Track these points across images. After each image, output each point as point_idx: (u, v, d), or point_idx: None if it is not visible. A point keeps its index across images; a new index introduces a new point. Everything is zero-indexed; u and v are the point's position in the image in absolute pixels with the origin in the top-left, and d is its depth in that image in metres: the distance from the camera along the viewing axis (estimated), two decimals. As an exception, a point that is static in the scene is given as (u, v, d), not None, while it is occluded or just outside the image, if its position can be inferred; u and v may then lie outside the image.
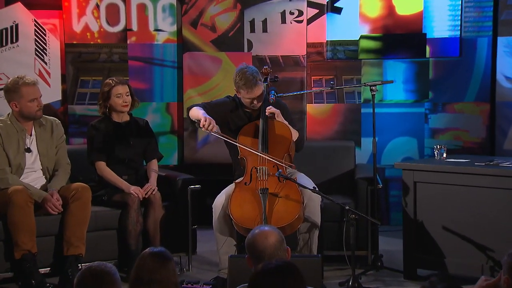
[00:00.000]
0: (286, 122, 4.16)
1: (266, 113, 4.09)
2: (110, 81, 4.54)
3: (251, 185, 4.00)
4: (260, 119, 4.15)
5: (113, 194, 4.43)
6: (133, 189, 4.36)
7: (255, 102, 4.19)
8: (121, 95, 4.49)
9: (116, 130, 4.53)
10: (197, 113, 4.08)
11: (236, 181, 4.12)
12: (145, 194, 4.37)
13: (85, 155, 4.55)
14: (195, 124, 4.14)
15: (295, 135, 4.20)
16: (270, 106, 4.12)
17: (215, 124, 3.97)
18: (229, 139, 4.07)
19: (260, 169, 4.02)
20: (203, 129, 3.95)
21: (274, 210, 3.89)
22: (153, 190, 4.41)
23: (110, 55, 5.62)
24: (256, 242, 2.66)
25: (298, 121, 5.24)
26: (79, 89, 5.61)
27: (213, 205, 4.09)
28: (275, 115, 4.12)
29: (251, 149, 4.04)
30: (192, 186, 4.50)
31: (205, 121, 3.94)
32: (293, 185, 3.95)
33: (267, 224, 3.65)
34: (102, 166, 4.48)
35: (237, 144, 4.09)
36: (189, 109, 4.22)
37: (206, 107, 4.19)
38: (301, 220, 3.94)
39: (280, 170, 3.96)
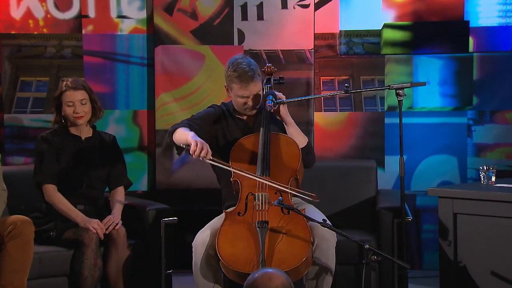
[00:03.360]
0: (291, 120, 4.21)
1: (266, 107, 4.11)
2: (63, 83, 4.59)
3: (246, 217, 4.03)
4: (261, 131, 4.18)
5: (64, 229, 4.46)
6: (91, 223, 4.40)
7: (249, 103, 4.24)
8: (72, 104, 4.55)
9: (74, 146, 4.59)
10: (184, 135, 4.05)
11: (227, 210, 4.15)
12: (106, 230, 4.41)
13: (29, 177, 4.59)
14: (181, 151, 4.13)
15: (302, 139, 4.23)
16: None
17: (209, 148, 3.97)
18: (229, 168, 4.06)
19: (258, 196, 4.04)
20: (193, 156, 3.94)
21: (275, 250, 3.90)
22: (117, 224, 4.45)
23: (60, 49, 5.67)
24: (258, 287, 2.68)
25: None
26: (18, 93, 5.65)
27: (193, 243, 4.11)
28: (279, 107, 4.15)
29: (249, 174, 4.05)
30: (166, 219, 4.51)
31: (196, 145, 3.90)
32: (301, 219, 3.97)
33: (270, 267, 3.67)
34: (51, 191, 4.52)
35: (234, 170, 4.09)
36: (171, 132, 4.17)
37: (192, 125, 4.19)
38: (309, 263, 3.96)
39: (280, 197, 3.97)
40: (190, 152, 3.91)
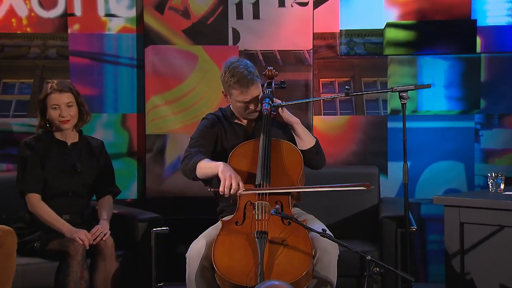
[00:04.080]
0: (295, 119, 4.22)
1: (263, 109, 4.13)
2: (49, 85, 4.60)
3: (245, 226, 4.04)
4: (261, 137, 4.19)
5: (49, 240, 4.46)
6: (78, 234, 4.40)
7: (251, 107, 4.25)
8: (58, 107, 4.55)
9: (59, 152, 4.59)
10: (209, 168, 4.07)
11: (224, 219, 4.16)
12: (94, 240, 4.41)
13: (11, 184, 4.59)
14: (209, 187, 4.12)
15: (310, 139, 4.25)
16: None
17: (240, 180, 3.97)
18: (260, 191, 4.04)
19: (258, 205, 4.05)
20: (226, 194, 3.95)
21: (275, 262, 3.91)
22: (105, 234, 4.45)
23: (45, 49, 5.68)
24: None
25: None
26: (0, 96, 5.65)
27: (187, 255, 4.12)
28: (280, 109, 4.17)
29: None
30: (157, 229, 4.51)
31: (227, 180, 3.92)
32: (302, 231, 3.98)
33: (274, 279, 3.68)
34: (35, 200, 4.52)
35: (261, 192, 4.07)
36: (192, 168, 4.14)
37: (201, 149, 4.20)
38: (310, 277, 3.97)
39: (277, 206, 3.97)
40: (220, 191, 3.94)
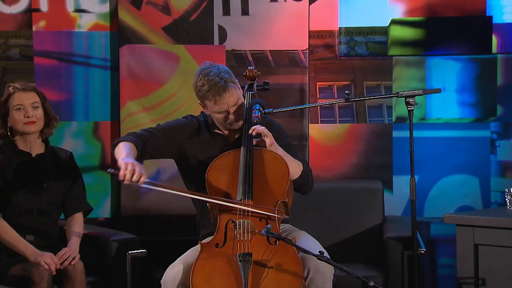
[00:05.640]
0: (281, 151, 4.21)
1: (251, 133, 4.12)
2: (10, 87, 4.59)
3: (226, 248, 4.03)
4: (242, 148, 4.19)
5: (10, 264, 4.44)
6: (43, 257, 4.38)
7: (231, 116, 4.24)
8: (22, 107, 4.54)
9: (22, 165, 4.57)
10: (119, 152, 4.07)
11: (203, 241, 4.16)
12: (61, 265, 4.40)
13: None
14: (108, 170, 4.06)
15: (296, 169, 4.25)
16: (258, 125, 4.15)
17: (142, 170, 3.94)
18: (175, 191, 4.07)
19: (240, 224, 4.05)
20: (124, 182, 3.90)
21: (260, 287, 3.91)
22: (74, 258, 4.44)
23: (6, 49, 5.68)
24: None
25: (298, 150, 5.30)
26: (-44, 101, 5.65)
27: (162, 281, 4.12)
28: (265, 137, 4.14)
29: (225, 201, 4.04)
30: (133, 252, 4.51)
31: (126, 169, 3.89)
32: (290, 250, 3.97)
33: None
34: (-6, 220, 4.52)
35: (193, 197, 4.10)
36: (116, 142, 4.21)
37: (147, 137, 4.21)
38: (301, 302, 3.98)
39: (269, 225, 3.98)
40: (119, 177, 3.89)
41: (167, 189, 4.07)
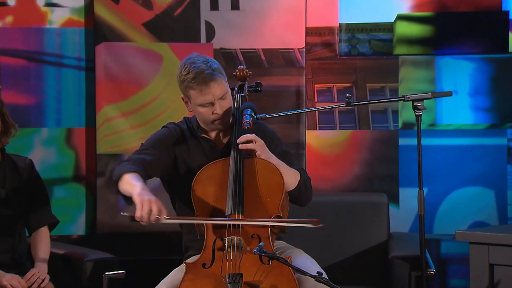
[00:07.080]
0: (275, 159, 4.22)
1: (239, 145, 4.13)
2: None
3: (214, 269, 4.03)
4: (231, 155, 4.20)
5: (-28, 287, 4.45)
6: (8, 280, 4.38)
7: (217, 111, 4.21)
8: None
9: (-24, 176, 4.58)
10: (129, 187, 3.99)
11: (188, 261, 4.16)
12: (29, 287, 4.40)
13: None
14: (122, 211, 4.02)
15: (292, 178, 4.26)
16: (247, 134, 4.16)
17: (161, 206, 3.89)
18: (196, 221, 4.05)
19: (229, 241, 4.06)
20: (144, 221, 3.85)
21: (252, 311, 3.94)
22: (43, 280, 4.44)
23: (-31, 47, 5.70)
24: None
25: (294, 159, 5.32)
26: None
27: (145, 305, 4.14)
28: (255, 145, 4.15)
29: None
30: (110, 273, 4.51)
31: (142, 210, 3.81)
32: (284, 269, 3.98)
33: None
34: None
35: (202, 222, 4.07)
36: (116, 180, 4.09)
37: (143, 159, 4.17)
38: (297, 328, 3.99)
39: (262, 243, 3.98)
40: (136, 216, 3.86)
41: (189, 220, 4.09)
